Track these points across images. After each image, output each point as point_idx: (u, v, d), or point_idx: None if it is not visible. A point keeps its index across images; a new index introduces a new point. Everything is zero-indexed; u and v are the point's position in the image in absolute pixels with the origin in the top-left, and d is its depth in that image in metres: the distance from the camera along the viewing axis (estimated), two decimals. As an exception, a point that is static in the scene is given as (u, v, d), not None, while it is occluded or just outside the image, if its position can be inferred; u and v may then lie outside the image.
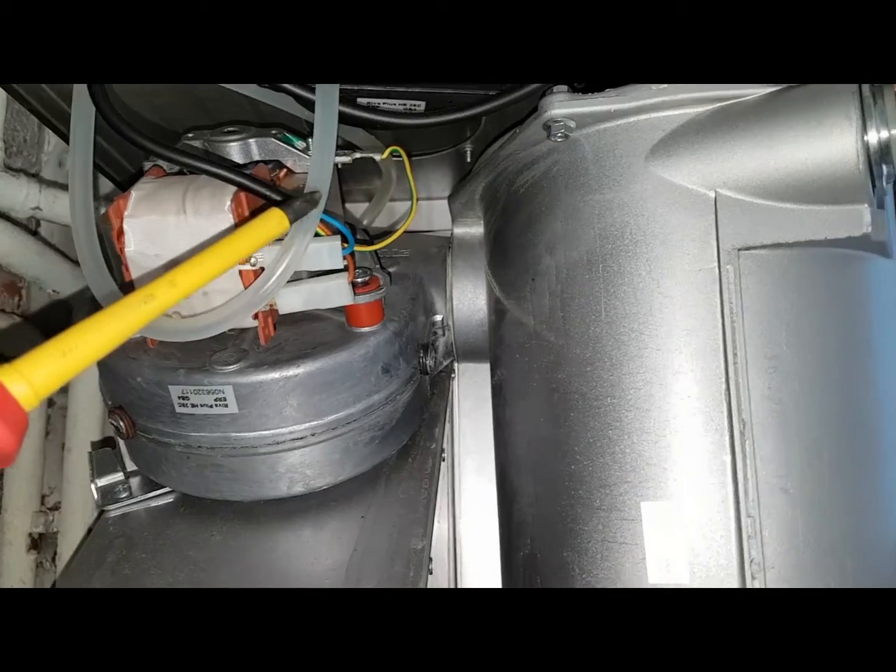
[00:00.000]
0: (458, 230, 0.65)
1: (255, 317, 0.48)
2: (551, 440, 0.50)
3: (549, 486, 0.50)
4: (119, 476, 0.60)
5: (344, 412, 0.54)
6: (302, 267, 0.45)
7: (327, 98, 0.44)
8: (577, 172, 0.50)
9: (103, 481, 0.60)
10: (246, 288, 0.46)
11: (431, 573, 0.52)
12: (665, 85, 0.47)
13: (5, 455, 0.28)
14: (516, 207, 0.55)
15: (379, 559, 0.52)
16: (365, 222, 0.69)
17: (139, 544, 0.55)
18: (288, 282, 0.46)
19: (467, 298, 0.64)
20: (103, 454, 0.61)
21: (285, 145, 0.53)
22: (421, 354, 0.60)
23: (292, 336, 0.54)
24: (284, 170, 0.53)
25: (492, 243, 0.60)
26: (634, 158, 0.48)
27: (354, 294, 0.50)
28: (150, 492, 0.59)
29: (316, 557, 0.53)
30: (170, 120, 0.64)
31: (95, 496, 0.59)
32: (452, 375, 0.73)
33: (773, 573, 0.43)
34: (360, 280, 0.53)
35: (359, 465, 0.57)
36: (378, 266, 0.58)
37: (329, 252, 0.45)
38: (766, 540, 0.43)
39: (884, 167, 0.43)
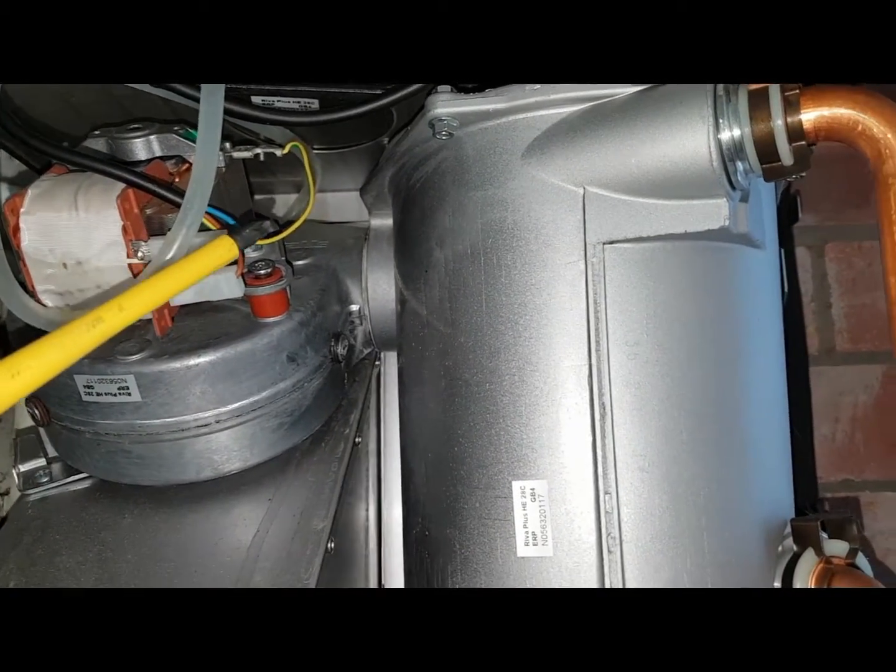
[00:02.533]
0: (374, 222, 0.67)
1: (156, 318, 0.50)
2: (439, 424, 0.53)
3: (437, 467, 0.53)
4: (41, 461, 0.63)
5: (248, 400, 0.57)
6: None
7: (212, 97, 0.46)
8: (462, 169, 0.52)
9: (25, 466, 0.62)
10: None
11: (330, 552, 0.55)
12: (539, 85, 0.49)
13: None
14: (413, 202, 0.57)
15: (279, 539, 0.55)
16: (293, 213, 0.71)
17: (54, 526, 0.58)
18: (180, 275, 0.48)
19: (382, 289, 0.66)
20: (26, 440, 0.64)
21: (186, 141, 0.55)
22: (332, 343, 0.62)
23: (198, 326, 0.56)
24: (186, 165, 0.55)
25: (396, 236, 0.62)
26: (512, 156, 0.50)
27: (246, 286, 0.53)
28: (69, 476, 0.62)
29: (221, 538, 0.56)
30: (90, 118, 0.66)
31: (17, 481, 0.62)
32: (377, 363, 0.76)
33: (629, 546, 0.46)
34: (262, 272, 0.56)
35: (267, 450, 0.59)
36: (283, 258, 0.60)
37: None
38: (624, 516, 0.46)
39: (738, 163, 0.46)
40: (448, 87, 0.51)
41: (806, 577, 0.49)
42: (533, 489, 0.47)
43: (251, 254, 0.56)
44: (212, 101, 0.46)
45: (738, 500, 0.49)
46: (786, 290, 0.73)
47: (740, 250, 0.51)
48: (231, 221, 0.50)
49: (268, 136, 0.62)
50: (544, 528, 0.47)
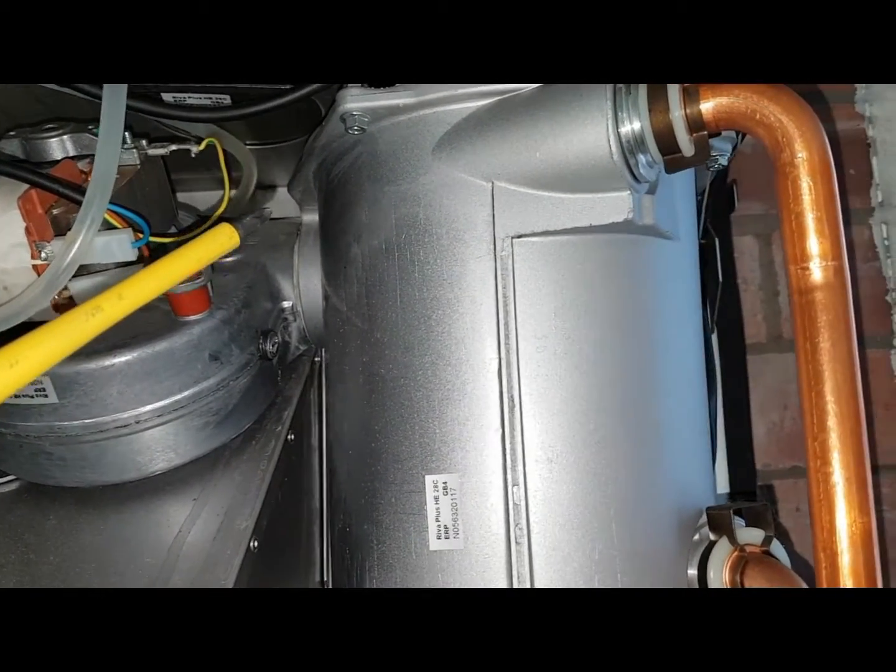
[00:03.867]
0: (306, 217, 0.67)
1: (57, 308, 0.50)
2: (359, 420, 0.53)
3: (357, 463, 0.53)
4: (-32, 465, 0.62)
5: (169, 399, 0.56)
6: (94, 259, 0.47)
7: (114, 96, 0.46)
8: (376, 164, 0.52)
9: (-47, 470, 0.62)
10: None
11: (253, 551, 0.55)
12: (447, 80, 0.49)
13: None
14: (333, 197, 0.57)
15: (202, 538, 0.55)
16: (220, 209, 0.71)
17: (-22, 529, 0.58)
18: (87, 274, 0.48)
19: (314, 285, 0.66)
20: (-46, 444, 0.63)
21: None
22: (261, 340, 0.62)
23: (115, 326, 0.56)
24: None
25: (319, 231, 0.62)
26: (423, 151, 0.50)
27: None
28: (-2, 479, 0.62)
29: (143, 538, 0.56)
30: (15, 118, 0.65)
31: (-56, 484, 0.61)
32: (316, 359, 0.75)
33: (537, 537, 0.46)
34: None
35: (193, 450, 0.59)
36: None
37: (118, 244, 0.47)
38: (532, 507, 0.46)
39: (640, 156, 0.46)
40: (359, 84, 0.51)
41: (720, 566, 0.49)
42: (445, 483, 0.47)
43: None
44: (114, 100, 0.46)
45: (649, 490, 0.49)
46: (720, 280, 0.73)
47: (649, 241, 0.51)
48: (138, 220, 0.49)
49: (195, 133, 0.61)
50: (456, 521, 0.47)
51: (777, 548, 0.51)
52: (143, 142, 0.56)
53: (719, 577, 0.49)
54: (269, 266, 0.66)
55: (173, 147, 0.55)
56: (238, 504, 0.58)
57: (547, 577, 0.46)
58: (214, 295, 0.58)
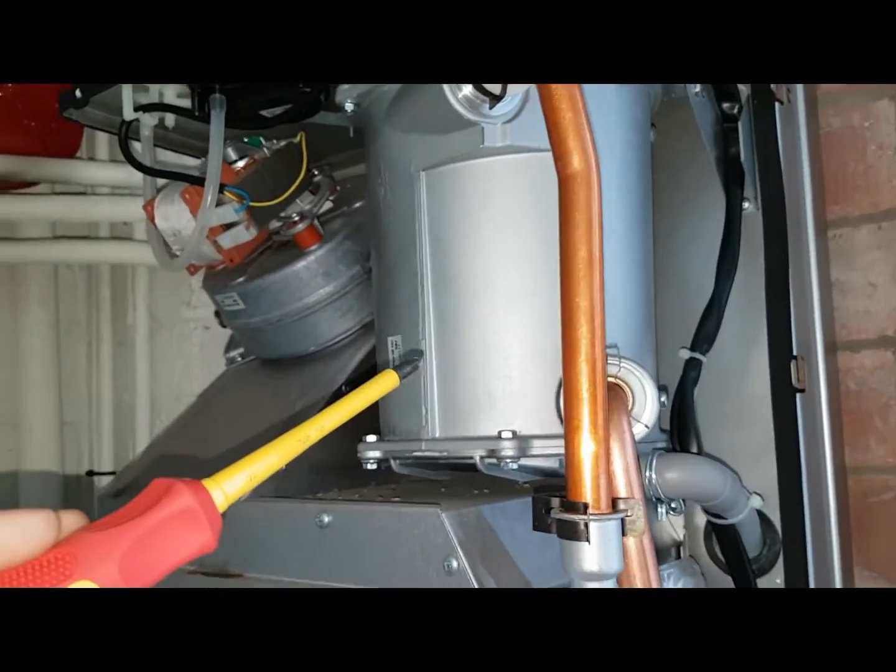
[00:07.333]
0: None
1: (226, 257, 0.87)
2: (375, 278, 0.80)
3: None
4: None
5: (300, 303, 0.91)
6: (217, 221, 0.82)
7: (217, 122, 0.79)
8: (371, 129, 0.78)
9: None
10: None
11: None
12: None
13: (209, 549, 0.38)
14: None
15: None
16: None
17: None
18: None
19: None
20: None
21: (250, 145, 0.89)
22: (362, 262, 0.92)
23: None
24: (249, 161, 0.90)
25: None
26: (380, 119, 0.74)
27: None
28: None
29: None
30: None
31: None
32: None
33: (437, 371, 0.68)
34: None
35: (328, 333, 0.93)
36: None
37: (226, 211, 0.82)
38: (435, 355, 0.68)
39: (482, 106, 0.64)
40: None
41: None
42: (395, 341, 0.73)
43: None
44: (216, 124, 0.78)
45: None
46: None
47: (514, 158, 0.67)
48: (242, 193, 0.83)
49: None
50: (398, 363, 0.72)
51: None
52: (267, 143, 0.89)
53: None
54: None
55: (280, 144, 0.88)
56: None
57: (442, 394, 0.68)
58: (325, 233, 0.90)
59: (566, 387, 0.53)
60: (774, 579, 0.77)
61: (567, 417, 0.53)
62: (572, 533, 0.51)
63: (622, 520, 0.53)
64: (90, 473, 1.43)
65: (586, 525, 0.50)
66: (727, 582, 0.76)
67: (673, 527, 0.81)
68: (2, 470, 1.38)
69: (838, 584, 0.81)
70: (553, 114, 0.57)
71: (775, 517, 0.77)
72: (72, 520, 0.36)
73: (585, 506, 0.51)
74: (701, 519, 0.81)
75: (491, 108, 0.64)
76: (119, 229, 1.43)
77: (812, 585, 0.77)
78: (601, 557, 0.51)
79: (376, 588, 0.60)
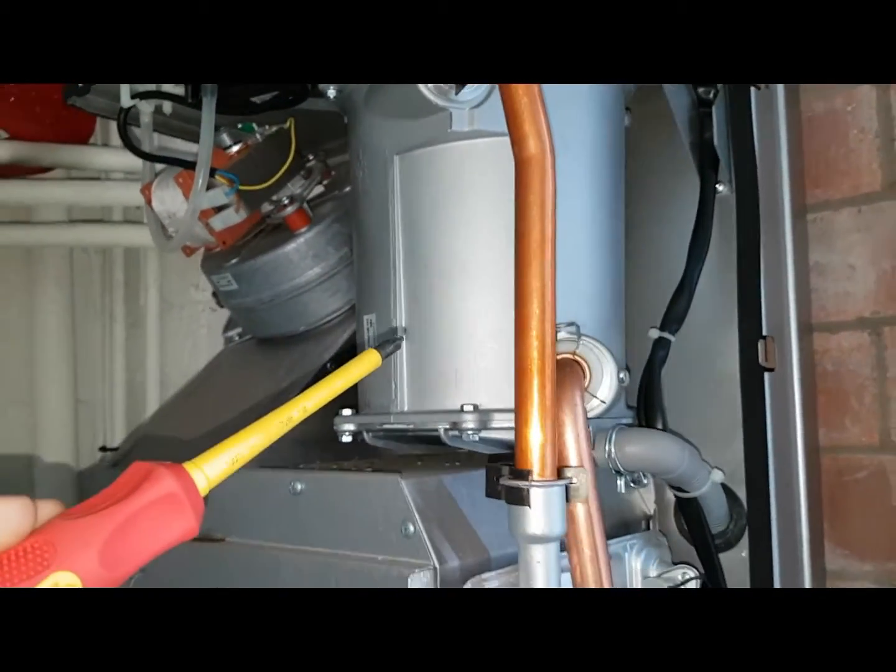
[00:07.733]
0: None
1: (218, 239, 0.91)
2: (356, 254, 0.84)
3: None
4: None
5: (289, 285, 0.94)
6: (208, 204, 0.86)
7: (208, 109, 0.83)
8: (353, 117, 0.81)
9: None
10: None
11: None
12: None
13: (192, 534, 0.37)
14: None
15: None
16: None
17: None
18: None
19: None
20: None
21: (243, 132, 0.93)
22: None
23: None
24: (242, 146, 0.93)
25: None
26: (359, 106, 0.77)
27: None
28: None
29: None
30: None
31: None
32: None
33: (407, 345, 0.71)
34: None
35: (319, 312, 0.96)
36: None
37: (217, 193, 0.85)
38: (409, 330, 0.71)
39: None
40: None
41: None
42: (371, 320, 0.76)
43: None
44: (207, 110, 0.82)
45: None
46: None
47: (483, 142, 0.69)
48: (232, 177, 0.86)
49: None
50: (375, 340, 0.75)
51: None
52: (260, 128, 0.93)
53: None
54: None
55: (272, 130, 0.91)
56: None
57: (412, 375, 0.71)
58: (314, 216, 0.93)
59: (517, 362, 0.56)
60: (740, 553, 0.79)
61: (517, 391, 0.56)
62: (518, 498, 0.54)
63: (567, 486, 0.55)
64: (103, 449, 1.49)
65: (528, 490, 0.53)
66: (693, 555, 0.78)
67: (644, 501, 0.84)
68: (18, 445, 1.44)
69: (805, 561, 0.83)
70: (510, 100, 0.59)
71: (743, 493, 0.80)
72: (49, 508, 0.35)
73: (530, 473, 0.54)
74: (672, 494, 0.83)
75: (457, 93, 0.66)
76: (132, 213, 1.48)
77: (776, 561, 0.79)
78: (545, 521, 0.54)
79: (351, 588, 0.61)
